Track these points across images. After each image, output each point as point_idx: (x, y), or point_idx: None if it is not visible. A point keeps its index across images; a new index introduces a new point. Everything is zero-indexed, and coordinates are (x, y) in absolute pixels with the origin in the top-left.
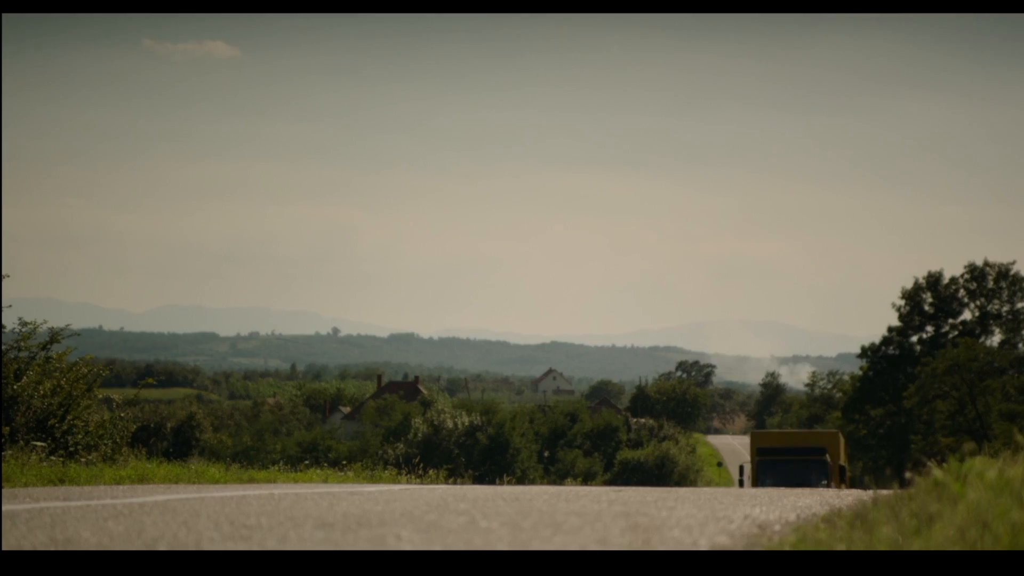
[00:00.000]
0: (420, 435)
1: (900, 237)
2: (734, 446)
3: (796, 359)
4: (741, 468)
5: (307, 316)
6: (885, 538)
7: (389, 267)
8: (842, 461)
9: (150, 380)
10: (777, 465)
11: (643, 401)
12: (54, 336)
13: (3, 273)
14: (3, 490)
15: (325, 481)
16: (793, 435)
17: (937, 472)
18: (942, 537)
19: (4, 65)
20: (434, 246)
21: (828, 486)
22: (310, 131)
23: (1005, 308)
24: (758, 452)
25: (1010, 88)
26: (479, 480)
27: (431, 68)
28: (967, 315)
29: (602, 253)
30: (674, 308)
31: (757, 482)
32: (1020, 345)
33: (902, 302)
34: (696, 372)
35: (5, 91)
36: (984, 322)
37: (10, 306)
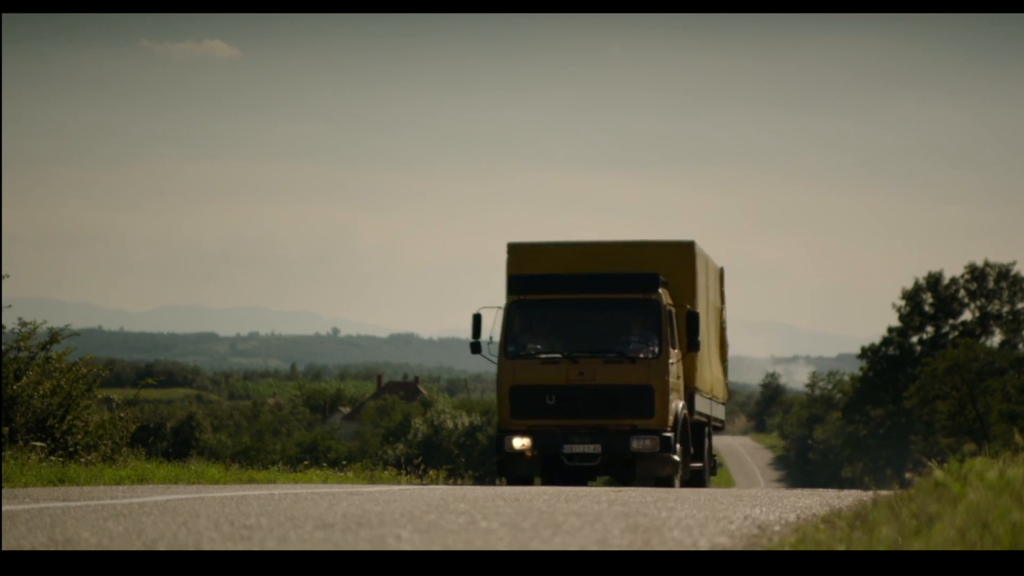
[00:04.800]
0: (420, 435)
1: (900, 237)
2: (734, 446)
3: (796, 359)
4: (476, 319)
5: (307, 316)
6: (885, 538)
7: (389, 267)
8: (700, 303)
9: (150, 380)
10: (551, 310)
11: None
12: (54, 336)
13: (3, 273)
14: (3, 490)
15: (325, 481)
16: (589, 250)
17: (937, 473)
18: (942, 538)
19: (4, 65)
20: (434, 246)
21: (657, 354)
22: (310, 131)
23: (1005, 308)
24: (514, 285)
25: (1010, 88)
26: (479, 481)
27: (431, 68)
28: (967, 315)
29: None
30: None
31: (508, 348)
32: (1020, 345)
33: (902, 302)
34: None
35: (5, 91)
36: (984, 322)
37: (10, 306)
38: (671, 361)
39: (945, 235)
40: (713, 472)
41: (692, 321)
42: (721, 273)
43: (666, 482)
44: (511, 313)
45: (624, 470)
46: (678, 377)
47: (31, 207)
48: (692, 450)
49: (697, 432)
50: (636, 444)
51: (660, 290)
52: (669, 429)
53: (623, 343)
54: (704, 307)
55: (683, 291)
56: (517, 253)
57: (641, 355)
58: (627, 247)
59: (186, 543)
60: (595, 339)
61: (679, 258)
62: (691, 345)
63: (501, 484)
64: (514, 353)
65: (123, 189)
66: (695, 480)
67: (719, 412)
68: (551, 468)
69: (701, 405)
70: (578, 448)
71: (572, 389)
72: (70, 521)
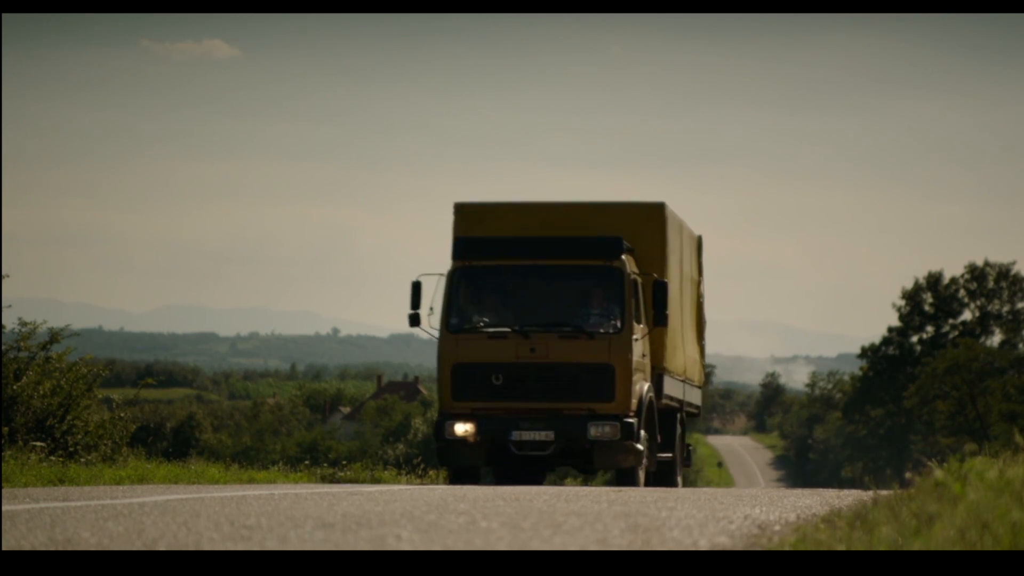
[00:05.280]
0: (420, 435)
1: (900, 237)
2: (734, 446)
3: (796, 359)
4: (416, 287)
5: (307, 316)
6: (885, 538)
7: (389, 267)
8: (671, 273)
9: (150, 380)
10: (500, 278)
11: None
12: (54, 336)
13: (3, 273)
14: (3, 490)
15: (325, 482)
16: (547, 211)
17: (937, 472)
18: (942, 537)
19: (4, 65)
20: (434, 246)
21: (619, 329)
22: (310, 131)
23: (1005, 308)
24: (458, 249)
25: (1010, 88)
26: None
27: (431, 68)
28: (967, 315)
29: None
30: None
31: (451, 320)
32: (1020, 345)
33: (902, 302)
34: None
35: (5, 91)
36: (984, 322)
37: (10, 306)
38: (635, 337)
39: (945, 235)
40: (687, 463)
41: (659, 292)
42: (699, 242)
43: (628, 474)
44: (454, 280)
45: (581, 460)
46: (643, 355)
47: (31, 207)
48: (660, 438)
49: (667, 419)
50: (594, 431)
51: (624, 256)
52: (632, 414)
53: (581, 316)
54: (676, 277)
55: (651, 258)
56: (464, 213)
57: (601, 330)
58: (589, 208)
59: (186, 543)
60: (549, 311)
61: (647, 222)
62: (658, 319)
63: (491, 482)
64: (457, 326)
65: (123, 189)
66: (664, 472)
67: (694, 397)
68: (498, 457)
69: (672, 388)
70: (528, 435)
71: (522, 368)
72: (70, 521)
